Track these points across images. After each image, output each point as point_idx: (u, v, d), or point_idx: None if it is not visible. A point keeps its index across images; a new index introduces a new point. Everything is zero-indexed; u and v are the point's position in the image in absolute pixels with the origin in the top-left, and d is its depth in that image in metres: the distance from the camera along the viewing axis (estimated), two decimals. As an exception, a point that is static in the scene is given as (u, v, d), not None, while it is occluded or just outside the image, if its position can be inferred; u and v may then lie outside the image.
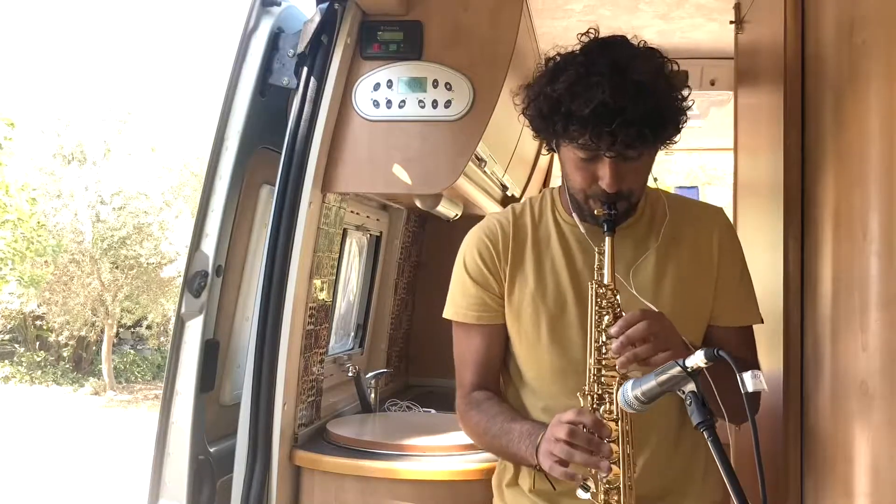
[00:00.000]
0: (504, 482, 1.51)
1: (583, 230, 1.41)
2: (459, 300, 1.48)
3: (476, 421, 1.45)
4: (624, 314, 1.26)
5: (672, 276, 1.41)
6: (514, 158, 2.93)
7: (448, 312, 1.51)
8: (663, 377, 1.15)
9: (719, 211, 1.51)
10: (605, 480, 1.22)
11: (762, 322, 1.50)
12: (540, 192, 1.55)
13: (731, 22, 2.25)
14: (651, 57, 1.30)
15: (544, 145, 1.43)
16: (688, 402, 1.12)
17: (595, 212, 1.33)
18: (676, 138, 1.34)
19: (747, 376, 1.07)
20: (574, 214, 1.43)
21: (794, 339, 1.58)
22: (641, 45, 1.32)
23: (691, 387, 1.13)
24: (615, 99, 1.21)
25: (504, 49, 2.02)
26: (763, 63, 1.93)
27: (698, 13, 2.45)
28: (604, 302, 1.29)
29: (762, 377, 1.08)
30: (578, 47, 1.32)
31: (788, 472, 1.57)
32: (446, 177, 2.03)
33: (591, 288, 1.31)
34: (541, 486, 1.41)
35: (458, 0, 2.04)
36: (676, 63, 1.33)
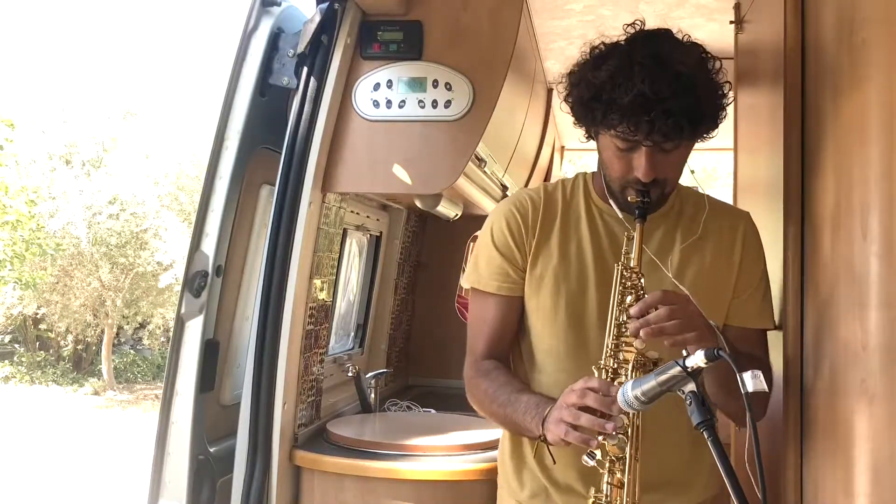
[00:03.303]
0: (509, 462, 1.52)
1: (621, 216, 1.43)
2: (482, 268, 1.50)
3: (484, 388, 1.46)
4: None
5: (693, 271, 1.43)
6: (514, 158, 2.93)
7: (469, 279, 1.53)
8: (663, 377, 1.15)
9: (747, 215, 1.54)
10: (611, 448, 1.22)
11: (776, 328, 1.51)
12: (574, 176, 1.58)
13: (731, 22, 2.25)
14: (693, 51, 1.32)
15: (583, 133, 1.45)
16: (688, 402, 1.12)
17: (629, 199, 1.35)
18: (714, 133, 1.36)
19: (747, 376, 1.07)
20: (611, 202, 1.44)
21: (794, 338, 1.58)
22: (685, 39, 1.34)
23: (691, 387, 1.13)
24: (655, 89, 1.23)
25: (504, 49, 2.02)
26: (763, 63, 1.93)
27: (698, 13, 2.45)
28: (628, 283, 1.31)
29: (762, 377, 1.08)
30: (623, 38, 1.34)
31: (788, 472, 1.57)
32: (446, 177, 2.03)
33: (617, 269, 1.32)
34: (540, 457, 1.43)
35: (458, 0, 2.04)
36: (719, 60, 1.34)
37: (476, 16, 2.03)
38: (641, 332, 1.22)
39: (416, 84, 2.04)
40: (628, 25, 1.37)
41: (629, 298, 1.29)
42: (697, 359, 1.12)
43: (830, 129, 1.44)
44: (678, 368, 1.13)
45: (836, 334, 1.39)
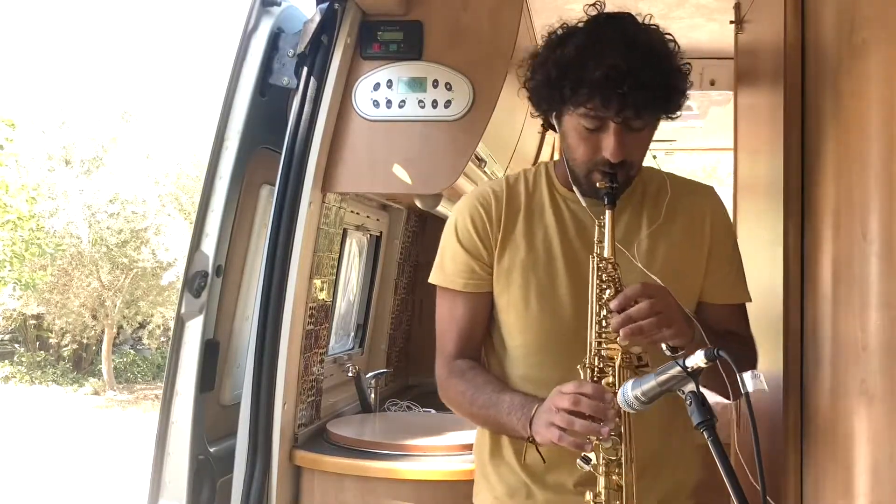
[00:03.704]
0: (487, 456, 1.49)
1: (584, 203, 1.40)
2: (448, 266, 1.48)
3: (461, 390, 1.44)
4: (624, 288, 1.25)
5: (664, 252, 1.41)
6: (514, 158, 2.93)
7: (435, 278, 1.50)
8: (663, 377, 1.15)
9: (711, 190, 1.51)
10: (605, 450, 1.21)
11: (750, 301, 1.50)
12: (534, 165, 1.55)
13: (731, 22, 2.25)
14: (658, 31, 1.33)
15: (542, 123, 1.43)
16: (688, 402, 1.12)
17: (597, 184, 1.33)
18: (679, 112, 1.35)
19: (747, 376, 1.07)
20: (574, 189, 1.42)
21: (794, 338, 1.58)
22: (646, 20, 1.34)
23: (691, 387, 1.13)
24: (627, 62, 1.22)
25: (504, 49, 2.02)
26: (763, 63, 1.93)
27: (698, 13, 2.45)
28: (604, 276, 1.28)
29: (762, 377, 1.08)
30: (584, 20, 1.34)
31: (788, 472, 1.57)
32: (446, 177, 2.03)
33: (592, 261, 1.30)
34: (531, 458, 1.40)
35: (458, 0, 2.04)
36: (675, 41, 1.34)
37: (476, 16, 2.03)
38: (621, 332, 1.21)
39: (416, 84, 2.04)
40: (589, 6, 1.36)
41: (608, 292, 1.27)
42: (697, 359, 1.11)
43: (830, 129, 1.44)
44: (678, 368, 1.13)
45: (836, 334, 1.39)
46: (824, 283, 1.46)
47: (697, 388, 1.12)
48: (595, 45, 1.26)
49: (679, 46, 1.34)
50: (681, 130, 3.47)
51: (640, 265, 1.33)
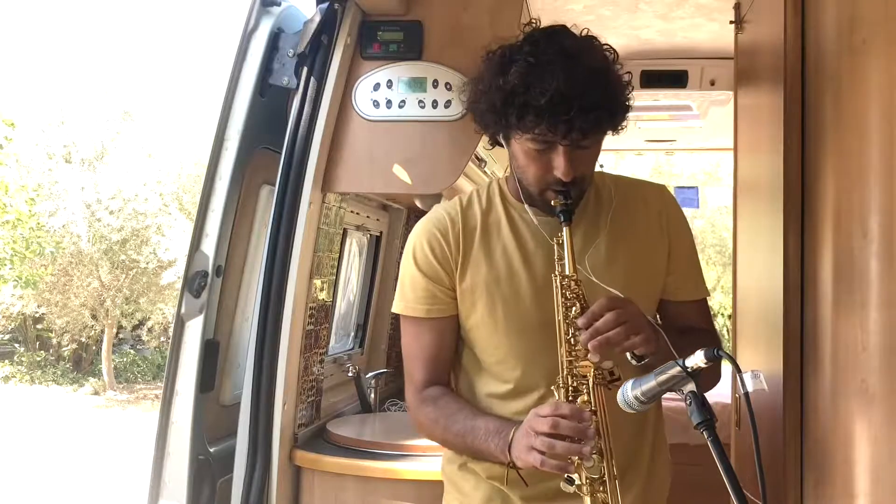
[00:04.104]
0: (455, 468, 1.48)
1: (536, 222, 1.40)
2: (409, 294, 1.46)
3: (433, 418, 1.43)
4: (589, 304, 1.26)
5: (624, 258, 1.41)
6: (514, 158, 2.93)
7: (397, 307, 1.49)
8: (663, 377, 1.15)
9: (663, 188, 1.51)
10: (587, 469, 1.21)
11: (709, 295, 1.51)
12: (488, 182, 1.55)
13: (731, 22, 2.25)
14: (595, 44, 1.32)
15: (488, 141, 1.43)
16: (688, 402, 1.12)
17: (552, 202, 1.33)
18: (625, 125, 1.35)
19: (747, 377, 1.07)
20: (525, 205, 1.42)
21: (794, 338, 1.58)
22: (582, 33, 1.33)
23: (691, 387, 1.13)
24: (571, 86, 1.21)
25: (504, 49, 2.02)
26: (763, 63, 1.93)
27: (698, 13, 2.45)
28: (568, 293, 1.29)
29: (762, 377, 1.08)
30: (521, 38, 1.32)
31: (788, 472, 1.57)
32: (446, 177, 2.03)
33: (555, 280, 1.30)
34: (513, 482, 1.37)
35: (458, 0, 2.04)
36: (614, 50, 1.33)
37: (476, 16, 2.03)
38: (590, 345, 1.21)
39: (416, 84, 2.04)
40: (526, 24, 1.35)
41: (574, 309, 1.27)
42: (697, 359, 1.12)
43: (830, 129, 1.45)
44: (678, 368, 1.13)
45: (836, 334, 1.39)
46: (824, 282, 1.46)
47: (697, 388, 1.12)
48: (536, 69, 1.25)
49: (616, 54, 1.34)
50: (681, 130, 3.47)
51: (596, 281, 1.32)
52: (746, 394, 1.07)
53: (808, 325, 1.55)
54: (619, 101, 1.30)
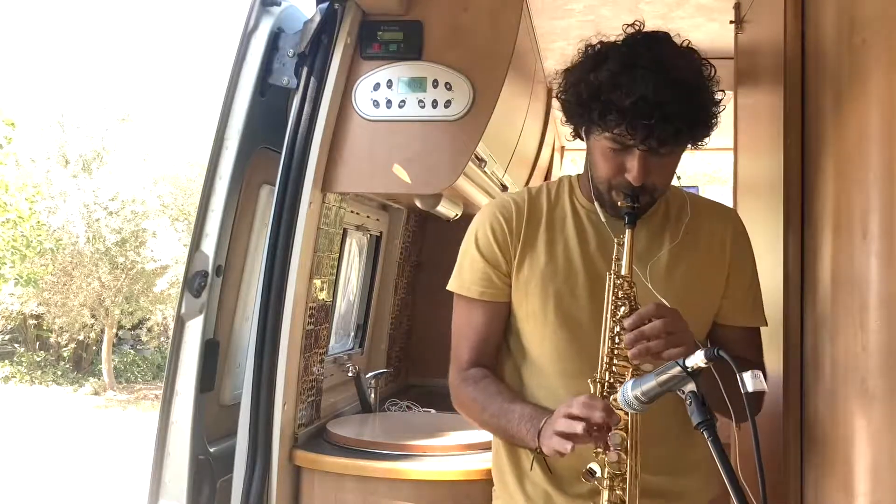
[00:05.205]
0: (504, 472, 1.50)
1: (602, 218, 1.42)
2: (466, 274, 1.49)
3: (473, 397, 1.45)
4: (640, 306, 1.27)
5: (684, 272, 1.42)
6: (514, 158, 2.93)
7: (453, 285, 1.51)
8: (663, 377, 1.15)
9: (734, 213, 1.54)
10: (610, 465, 1.22)
11: (766, 325, 1.51)
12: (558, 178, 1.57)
13: (731, 22, 2.25)
14: (693, 57, 1.32)
15: (571, 131, 1.44)
16: (688, 402, 1.12)
17: (618, 203, 1.34)
18: (707, 141, 1.35)
19: (747, 376, 1.07)
20: (595, 202, 1.44)
21: (794, 338, 1.58)
22: (684, 44, 1.34)
23: (691, 387, 1.13)
24: (657, 94, 1.23)
25: (504, 49, 2.02)
26: (763, 63, 1.93)
27: (698, 13, 2.45)
28: (620, 293, 1.30)
29: (762, 377, 1.08)
30: (621, 38, 1.34)
31: (788, 471, 1.57)
32: (446, 177, 2.03)
33: (609, 278, 1.32)
34: (538, 468, 1.41)
35: (458, 0, 2.04)
36: (713, 66, 1.34)
37: (476, 16, 2.03)
38: (630, 353, 1.23)
39: (416, 84, 2.04)
40: (628, 26, 1.36)
41: (623, 309, 1.29)
42: (697, 359, 1.12)
43: (830, 129, 1.44)
44: (678, 368, 1.13)
45: (836, 335, 1.39)
46: (824, 283, 1.46)
47: (697, 388, 1.12)
48: (627, 71, 1.26)
49: (715, 70, 1.34)
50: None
51: (650, 287, 1.34)
52: (748, 394, 1.07)
53: (807, 325, 1.55)
54: (704, 117, 1.30)
